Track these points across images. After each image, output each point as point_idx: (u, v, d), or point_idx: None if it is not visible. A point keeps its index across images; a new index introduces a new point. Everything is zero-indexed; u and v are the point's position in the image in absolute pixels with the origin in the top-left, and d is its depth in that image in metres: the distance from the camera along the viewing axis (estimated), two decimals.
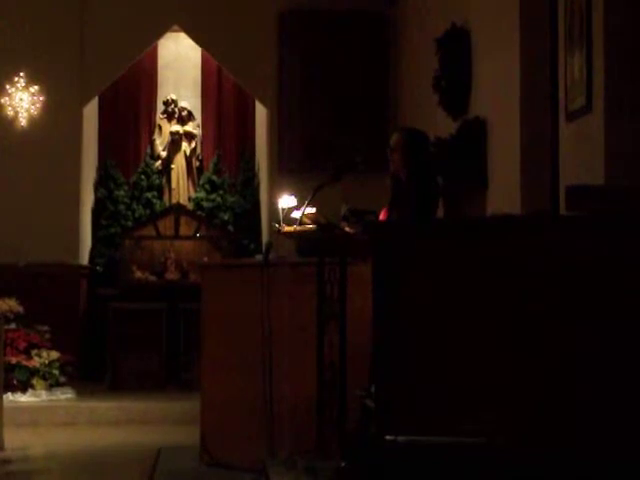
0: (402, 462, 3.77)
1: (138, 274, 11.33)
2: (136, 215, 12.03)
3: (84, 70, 11.01)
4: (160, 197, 12.21)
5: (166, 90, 12.42)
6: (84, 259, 11.42)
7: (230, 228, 11.95)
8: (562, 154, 5.74)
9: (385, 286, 3.86)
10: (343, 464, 5.13)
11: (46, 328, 10.03)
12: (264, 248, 7.18)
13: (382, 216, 5.96)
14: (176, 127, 12.29)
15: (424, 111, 8.89)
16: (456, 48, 7.84)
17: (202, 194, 12.16)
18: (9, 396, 9.12)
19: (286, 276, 6.55)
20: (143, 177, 12.17)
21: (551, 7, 6.06)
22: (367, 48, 10.82)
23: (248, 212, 11.99)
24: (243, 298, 6.69)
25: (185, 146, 12.28)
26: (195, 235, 11.65)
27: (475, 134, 7.31)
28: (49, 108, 10.84)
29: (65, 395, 9.70)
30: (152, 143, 12.36)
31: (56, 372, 9.74)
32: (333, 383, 5.51)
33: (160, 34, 11.57)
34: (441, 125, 8.05)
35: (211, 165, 12.30)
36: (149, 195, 12.13)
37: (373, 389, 4.64)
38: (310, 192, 5.56)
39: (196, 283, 8.39)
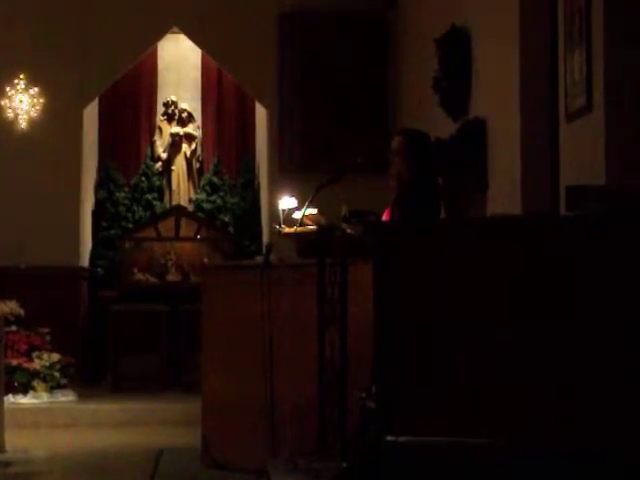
0: (403, 463, 3.77)
1: (139, 276, 11.33)
2: (136, 217, 12.03)
3: (84, 72, 11.00)
4: (160, 199, 12.21)
5: (166, 92, 12.42)
6: (84, 261, 11.41)
7: (230, 229, 11.95)
8: (562, 154, 5.74)
9: (386, 287, 3.86)
10: (344, 465, 5.13)
11: (47, 330, 10.03)
12: (264, 249, 7.16)
13: (385, 217, 5.95)
14: (176, 129, 12.29)
15: (424, 112, 8.88)
16: (456, 48, 7.84)
17: (202, 196, 12.17)
18: (10, 398, 9.12)
19: (287, 277, 6.54)
20: (143, 179, 12.17)
21: (551, 7, 6.06)
22: (367, 49, 10.81)
23: (248, 213, 11.99)
24: (244, 299, 6.68)
25: (185, 148, 12.28)
26: (195, 237, 11.65)
27: (475, 135, 7.30)
28: (49, 110, 10.82)
29: (66, 397, 9.70)
30: (152, 145, 12.36)
31: (57, 374, 9.74)
32: (334, 384, 5.50)
33: (160, 36, 11.56)
34: (441, 126, 8.05)
35: (211, 166, 12.30)
36: (149, 197, 12.13)
37: (374, 390, 4.64)
38: (310, 193, 5.56)
39: (197, 285, 8.38)
